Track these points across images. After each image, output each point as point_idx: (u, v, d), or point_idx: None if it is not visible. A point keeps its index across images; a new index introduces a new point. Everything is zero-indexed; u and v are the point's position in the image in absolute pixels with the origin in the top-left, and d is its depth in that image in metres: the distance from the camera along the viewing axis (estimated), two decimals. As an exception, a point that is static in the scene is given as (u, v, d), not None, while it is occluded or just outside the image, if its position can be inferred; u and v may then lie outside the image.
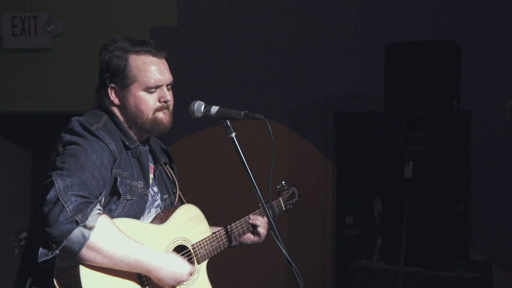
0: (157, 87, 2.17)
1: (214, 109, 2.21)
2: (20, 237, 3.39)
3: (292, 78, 5.40)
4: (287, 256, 2.13)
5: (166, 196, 2.29)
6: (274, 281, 5.33)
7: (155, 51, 2.18)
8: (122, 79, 2.13)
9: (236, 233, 2.44)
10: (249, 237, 2.52)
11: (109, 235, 1.88)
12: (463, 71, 4.12)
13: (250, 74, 5.49)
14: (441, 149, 3.85)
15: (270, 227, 2.21)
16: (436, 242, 3.84)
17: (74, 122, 2.04)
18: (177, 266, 2.04)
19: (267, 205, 2.24)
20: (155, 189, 2.25)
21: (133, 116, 2.16)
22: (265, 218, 2.59)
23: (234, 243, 2.45)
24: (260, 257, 5.18)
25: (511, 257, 4.85)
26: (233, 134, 2.19)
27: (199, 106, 2.22)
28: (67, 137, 2.01)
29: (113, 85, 2.15)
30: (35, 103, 6.00)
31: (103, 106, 2.19)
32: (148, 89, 2.15)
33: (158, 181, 2.28)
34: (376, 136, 5.20)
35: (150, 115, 2.16)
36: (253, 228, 2.50)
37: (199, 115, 2.23)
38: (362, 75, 5.23)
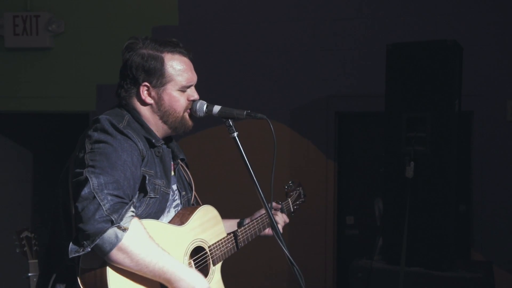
0: (189, 86, 2.21)
1: (216, 108, 2.21)
2: (21, 237, 3.39)
3: (293, 78, 5.40)
4: (289, 256, 2.13)
5: (184, 193, 2.31)
6: (275, 281, 5.33)
7: (186, 51, 2.22)
8: (159, 78, 2.14)
9: (251, 232, 2.47)
10: (266, 232, 2.56)
11: (140, 240, 1.88)
12: (465, 71, 4.12)
13: (251, 74, 5.49)
14: (442, 149, 3.85)
15: (272, 227, 2.22)
16: (437, 242, 3.84)
17: (103, 121, 2.01)
18: (197, 280, 2.03)
19: (269, 205, 2.25)
20: (174, 187, 2.26)
21: (165, 115, 2.17)
22: (284, 216, 2.64)
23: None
24: (261, 257, 5.18)
25: (512, 258, 4.85)
26: (235, 134, 2.19)
27: (201, 106, 2.22)
28: (95, 135, 1.99)
29: (146, 83, 2.14)
30: (36, 103, 6.00)
31: (126, 104, 2.17)
32: (183, 88, 2.19)
33: (177, 178, 2.30)
34: (377, 136, 5.20)
35: (181, 113, 2.19)
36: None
37: (201, 114, 2.23)
38: (363, 75, 5.23)
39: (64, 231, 2.00)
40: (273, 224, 2.20)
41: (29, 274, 3.39)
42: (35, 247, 3.41)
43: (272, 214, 2.23)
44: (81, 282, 1.89)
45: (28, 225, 4.48)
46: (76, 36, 5.89)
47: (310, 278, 5.09)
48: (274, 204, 2.67)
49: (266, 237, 2.59)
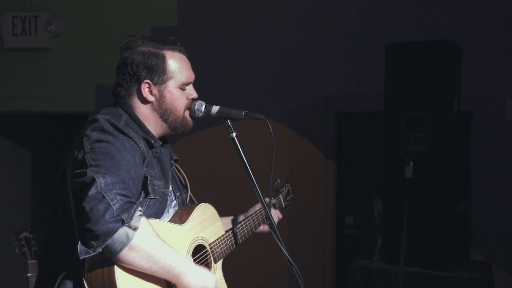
0: (188, 84, 2.20)
1: (215, 109, 2.21)
2: (20, 237, 3.39)
3: (292, 78, 5.40)
4: (288, 256, 2.13)
5: (178, 194, 2.29)
6: (274, 281, 5.33)
7: (184, 49, 2.21)
8: (160, 75, 2.13)
9: (248, 228, 2.47)
10: (262, 228, 2.56)
11: (150, 238, 1.87)
12: (464, 71, 4.12)
13: (251, 74, 5.49)
14: (441, 149, 3.85)
15: (270, 227, 2.21)
16: (436, 242, 3.84)
17: (102, 120, 1.99)
18: (206, 275, 2.04)
19: (267, 203, 2.26)
20: (170, 187, 2.25)
21: (166, 113, 2.16)
22: (278, 212, 2.66)
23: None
24: (260, 257, 5.18)
25: (511, 257, 4.85)
26: (234, 134, 2.19)
27: (199, 106, 2.22)
28: (94, 135, 1.96)
29: (148, 81, 2.12)
30: (35, 103, 6.01)
31: (124, 103, 2.15)
32: (183, 86, 2.18)
33: (172, 178, 2.28)
34: (376, 136, 5.20)
35: (182, 112, 2.18)
36: (266, 219, 2.52)
37: (200, 115, 2.22)
38: (362, 75, 5.23)
39: (64, 234, 1.98)
40: (272, 225, 2.20)
41: (28, 275, 3.38)
42: (34, 248, 3.40)
43: (271, 214, 2.24)
44: (87, 284, 1.87)
45: (27, 225, 4.48)
46: (75, 37, 5.89)
47: (309, 278, 5.09)
48: (272, 200, 2.67)
49: (262, 233, 2.59)
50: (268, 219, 2.23)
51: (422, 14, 5.14)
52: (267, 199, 2.64)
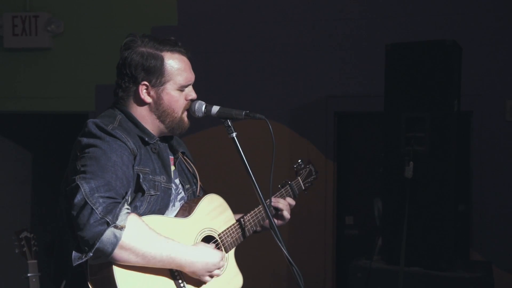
0: (188, 85, 2.20)
1: (215, 109, 2.21)
2: (20, 237, 3.39)
3: (293, 78, 5.40)
4: (288, 256, 2.13)
5: (188, 186, 2.30)
6: (274, 281, 5.33)
7: (184, 50, 2.21)
8: (158, 77, 2.13)
9: (260, 217, 2.44)
10: (266, 222, 2.52)
11: (140, 234, 1.89)
12: (464, 71, 4.12)
13: (251, 74, 5.49)
14: (441, 149, 3.85)
15: (270, 226, 2.21)
16: (436, 242, 3.84)
17: (90, 124, 2.02)
18: (209, 256, 2.06)
19: (267, 203, 2.26)
20: (177, 181, 2.25)
21: (163, 115, 2.16)
22: (287, 200, 2.59)
23: (258, 228, 2.45)
24: (260, 257, 5.17)
25: (511, 257, 4.85)
26: (234, 134, 2.19)
27: (200, 106, 2.22)
28: (84, 140, 2.00)
29: (145, 82, 2.13)
30: (36, 103, 6.00)
31: (121, 104, 2.17)
32: (181, 88, 2.18)
33: (179, 171, 2.29)
34: (376, 136, 5.20)
35: (180, 114, 2.19)
36: (276, 211, 2.50)
37: (200, 115, 2.23)
38: (362, 75, 5.23)
39: (72, 239, 2.00)
40: (272, 225, 2.20)
41: (28, 275, 3.39)
42: (34, 248, 3.40)
43: (270, 215, 2.23)
44: (90, 280, 1.90)
45: (27, 225, 4.48)
46: (75, 37, 5.89)
47: (309, 278, 5.08)
48: (271, 200, 2.66)
49: (266, 228, 2.55)
50: (268, 219, 2.22)
51: (422, 14, 5.14)
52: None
